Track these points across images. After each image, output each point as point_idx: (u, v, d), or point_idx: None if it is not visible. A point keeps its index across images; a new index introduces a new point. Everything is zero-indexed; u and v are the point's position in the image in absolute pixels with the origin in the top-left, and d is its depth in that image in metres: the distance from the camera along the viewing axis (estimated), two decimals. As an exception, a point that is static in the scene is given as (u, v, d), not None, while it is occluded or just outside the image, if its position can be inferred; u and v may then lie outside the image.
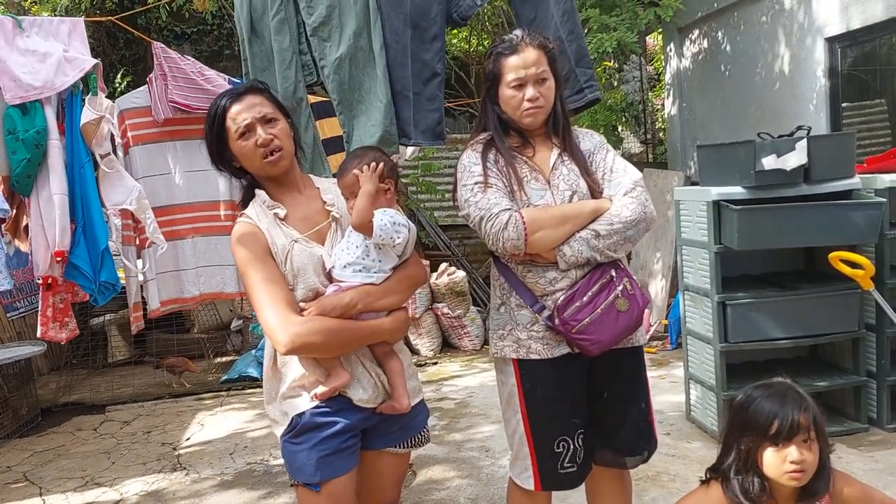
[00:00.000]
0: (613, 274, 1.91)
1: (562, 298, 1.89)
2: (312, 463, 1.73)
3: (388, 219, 1.75)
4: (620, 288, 1.89)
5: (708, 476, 1.77)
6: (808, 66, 5.08)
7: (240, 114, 1.76)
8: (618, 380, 2.02)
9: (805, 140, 3.15)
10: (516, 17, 2.66)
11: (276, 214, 1.78)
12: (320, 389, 1.72)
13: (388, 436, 1.87)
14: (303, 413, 1.74)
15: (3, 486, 3.68)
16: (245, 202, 1.85)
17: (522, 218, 1.86)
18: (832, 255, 2.85)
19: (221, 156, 1.83)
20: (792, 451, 1.59)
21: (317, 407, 1.74)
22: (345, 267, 1.75)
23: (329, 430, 1.73)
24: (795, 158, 3.13)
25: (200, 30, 7.65)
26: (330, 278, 1.79)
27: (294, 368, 1.77)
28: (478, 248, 6.83)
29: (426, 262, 5.93)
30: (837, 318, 3.36)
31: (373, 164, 1.78)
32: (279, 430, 1.81)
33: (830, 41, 4.88)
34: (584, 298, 1.87)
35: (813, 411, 1.62)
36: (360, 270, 1.76)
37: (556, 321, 1.89)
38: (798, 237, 3.24)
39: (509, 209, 1.87)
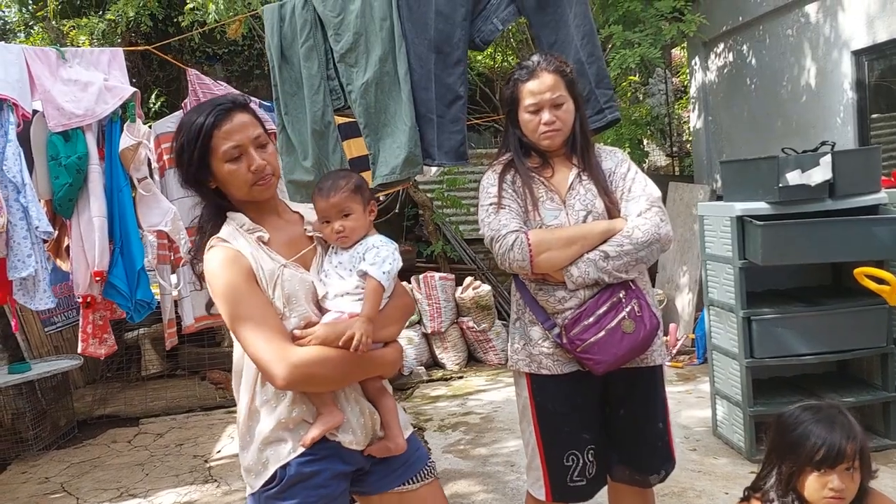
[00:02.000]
0: (622, 295, 1.92)
1: (570, 317, 1.93)
2: None
3: (388, 263, 1.63)
4: (628, 310, 1.91)
5: (747, 494, 1.77)
6: (834, 79, 5.04)
7: (231, 134, 1.55)
8: (634, 399, 2.04)
9: (829, 155, 3.15)
10: (537, 41, 2.70)
11: (259, 238, 1.60)
12: (312, 433, 1.54)
13: (392, 475, 1.70)
14: (287, 465, 1.55)
15: (42, 497, 3.81)
16: (203, 227, 1.65)
17: (528, 240, 1.90)
18: (857, 270, 2.82)
19: (196, 175, 1.60)
20: (834, 480, 1.60)
21: (301, 455, 1.55)
22: (343, 296, 1.62)
23: (318, 478, 1.56)
24: (820, 174, 3.13)
25: (231, 51, 7.85)
26: (320, 306, 1.64)
27: (275, 409, 1.58)
28: (503, 262, 6.83)
29: (451, 276, 6.04)
30: (865, 334, 3.34)
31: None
32: (254, 481, 1.59)
33: (857, 54, 4.84)
34: (591, 319, 1.90)
35: (860, 440, 1.62)
36: (360, 299, 1.61)
37: (564, 339, 1.93)
38: (823, 253, 3.22)
39: (516, 231, 1.92)
